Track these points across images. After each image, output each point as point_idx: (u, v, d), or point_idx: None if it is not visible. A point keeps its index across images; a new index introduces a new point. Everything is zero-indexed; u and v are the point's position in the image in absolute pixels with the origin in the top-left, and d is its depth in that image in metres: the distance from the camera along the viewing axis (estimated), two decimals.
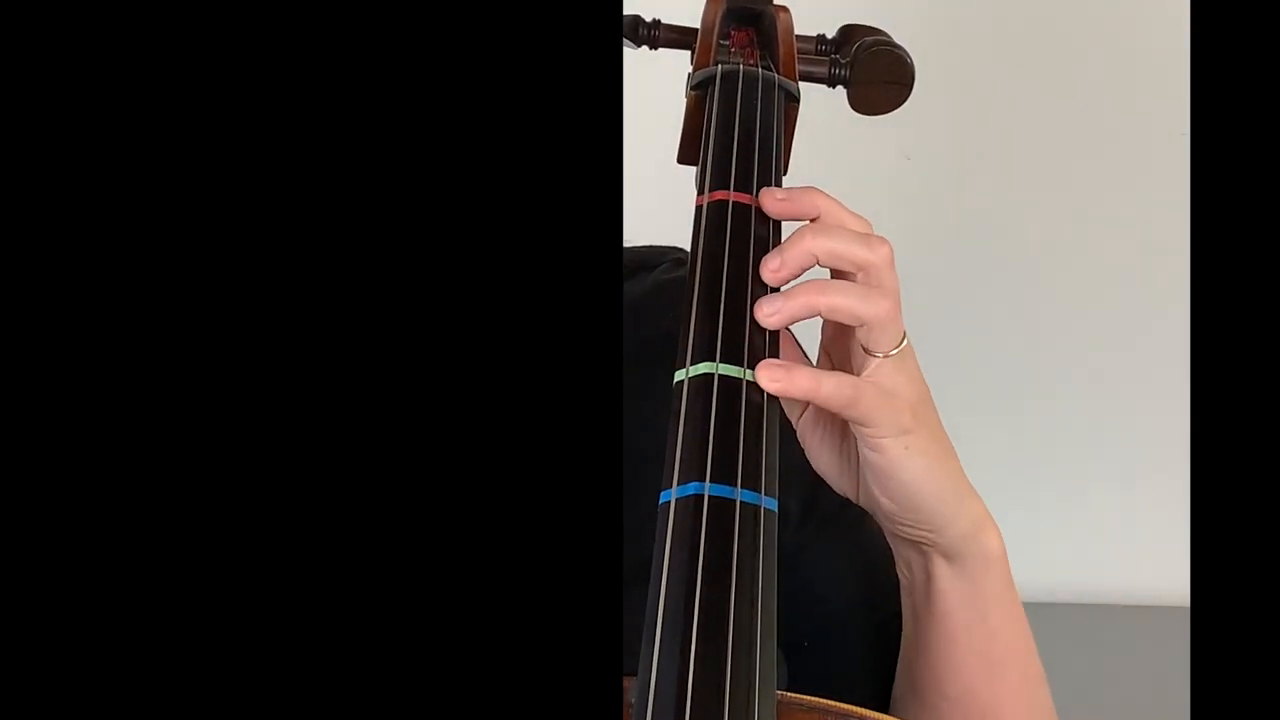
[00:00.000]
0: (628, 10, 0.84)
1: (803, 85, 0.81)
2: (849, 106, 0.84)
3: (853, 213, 0.66)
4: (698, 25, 0.84)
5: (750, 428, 0.59)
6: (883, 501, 0.69)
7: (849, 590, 0.83)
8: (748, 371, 0.61)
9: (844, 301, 0.63)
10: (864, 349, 0.65)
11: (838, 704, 0.60)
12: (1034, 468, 1.52)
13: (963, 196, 1.48)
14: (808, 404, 0.70)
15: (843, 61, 0.83)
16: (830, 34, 0.87)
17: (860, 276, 0.64)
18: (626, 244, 0.91)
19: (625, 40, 0.85)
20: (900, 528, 0.70)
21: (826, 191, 0.67)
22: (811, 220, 0.66)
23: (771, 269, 0.64)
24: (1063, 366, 1.50)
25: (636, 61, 0.85)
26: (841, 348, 0.69)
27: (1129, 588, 1.51)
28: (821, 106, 0.84)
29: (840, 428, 0.70)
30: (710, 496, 0.57)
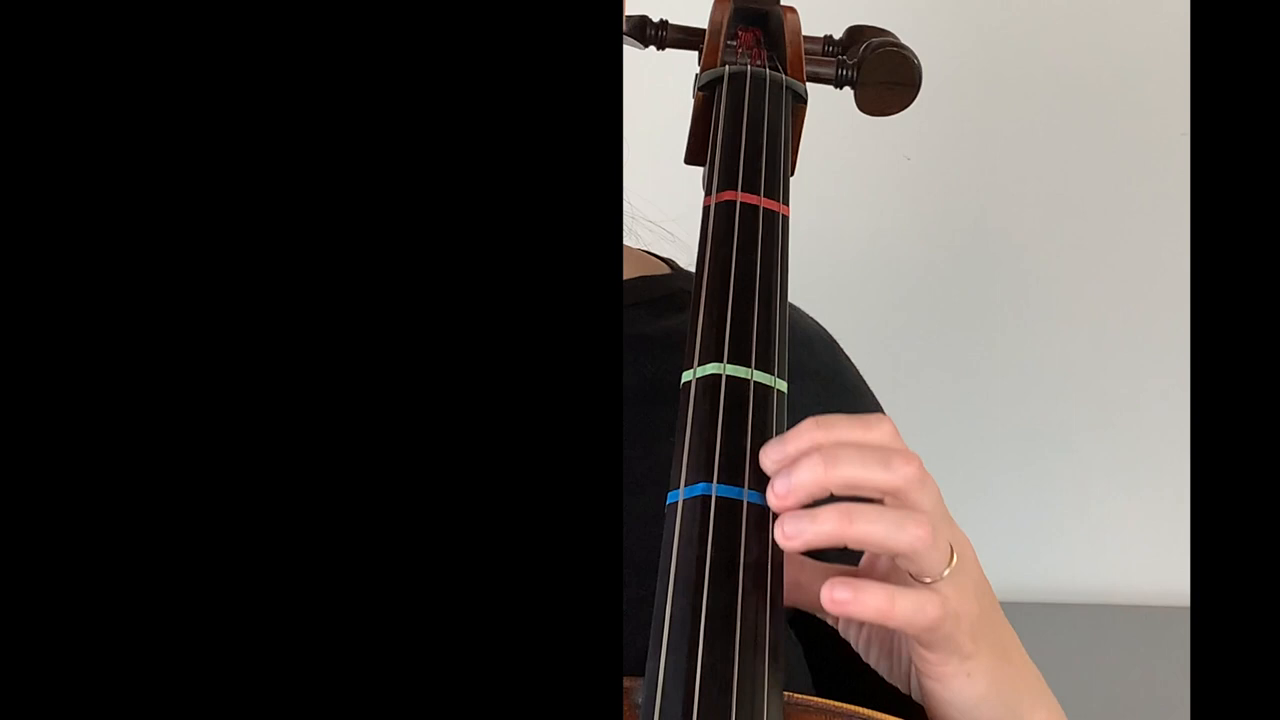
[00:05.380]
0: (635, 11, 0.85)
1: (809, 86, 0.81)
2: (856, 107, 0.85)
3: (867, 423, 0.59)
4: (705, 26, 0.84)
5: (757, 428, 0.59)
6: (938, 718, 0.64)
7: None
8: (754, 372, 0.61)
9: (873, 532, 0.57)
10: (910, 575, 0.59)
11: (842, 705, 0.60)
12: (1034, 468, 1.51)
13: (964, 198, 1.48)
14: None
15: (850, 62, 0.83)
16: (837, 35, 0.87)
17: (889, 500, 0.58)
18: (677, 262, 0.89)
19: (632, 41, 0.85)
20: None
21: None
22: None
23: (778, 495, 0.57)
24: (1063, 367, 1.50)
25: (643, 62, 0.85)
26: (895, 572, 0.61)
27: (1129, 588, 1.51)
28: (828, 107, 0.84)
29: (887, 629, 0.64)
30: (718, 497, 0.57)
